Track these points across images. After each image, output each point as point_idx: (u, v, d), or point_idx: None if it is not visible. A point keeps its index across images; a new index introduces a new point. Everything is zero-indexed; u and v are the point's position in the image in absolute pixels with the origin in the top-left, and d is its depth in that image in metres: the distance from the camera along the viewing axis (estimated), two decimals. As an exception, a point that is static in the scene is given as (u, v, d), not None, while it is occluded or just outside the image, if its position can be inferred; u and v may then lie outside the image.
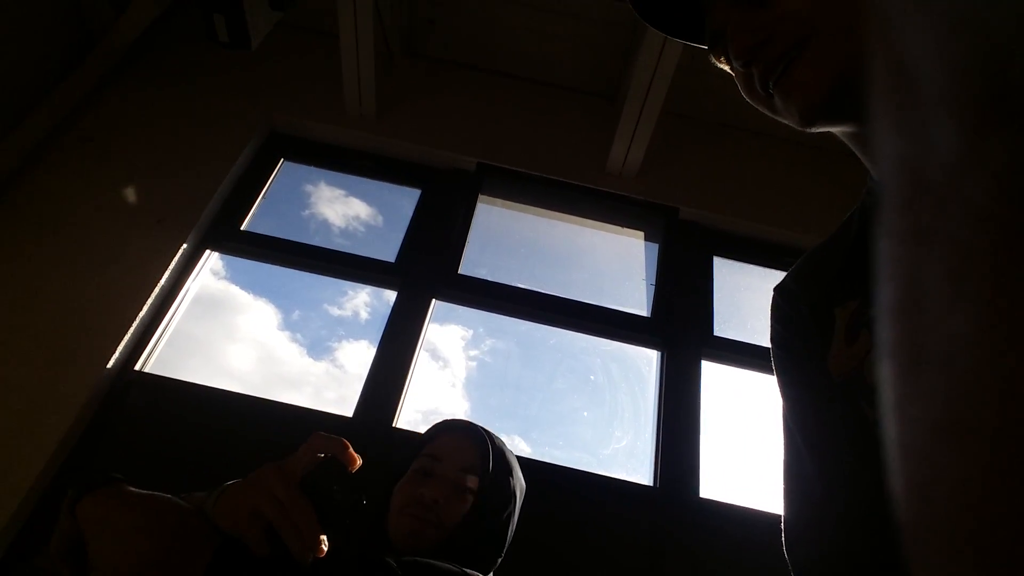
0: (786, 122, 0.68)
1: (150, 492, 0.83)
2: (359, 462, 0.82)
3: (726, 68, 0.74)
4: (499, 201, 2.62)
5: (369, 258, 2.31)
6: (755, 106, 0.72)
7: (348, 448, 0.81)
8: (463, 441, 1.25)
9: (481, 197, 2.57)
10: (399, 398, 1.97)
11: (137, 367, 1.96)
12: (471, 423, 1.33)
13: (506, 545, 1.23)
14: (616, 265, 2.60)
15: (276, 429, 1.86)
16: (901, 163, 0.12)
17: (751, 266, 2.53)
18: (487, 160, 2.57)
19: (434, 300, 2.25)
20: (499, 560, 1.21)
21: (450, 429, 1.29)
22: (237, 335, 2.30)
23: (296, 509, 0.77)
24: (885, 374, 0.12)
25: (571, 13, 2.61)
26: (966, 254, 0.10)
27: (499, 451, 1.27)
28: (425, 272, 2.28)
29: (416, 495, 1.14)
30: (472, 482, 1.19)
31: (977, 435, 0.10)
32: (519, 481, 1.29)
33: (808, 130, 0.66)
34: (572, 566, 1.79)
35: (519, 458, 1.85)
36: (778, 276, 0.82)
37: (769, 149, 2.75)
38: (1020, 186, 0.10)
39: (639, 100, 2.40)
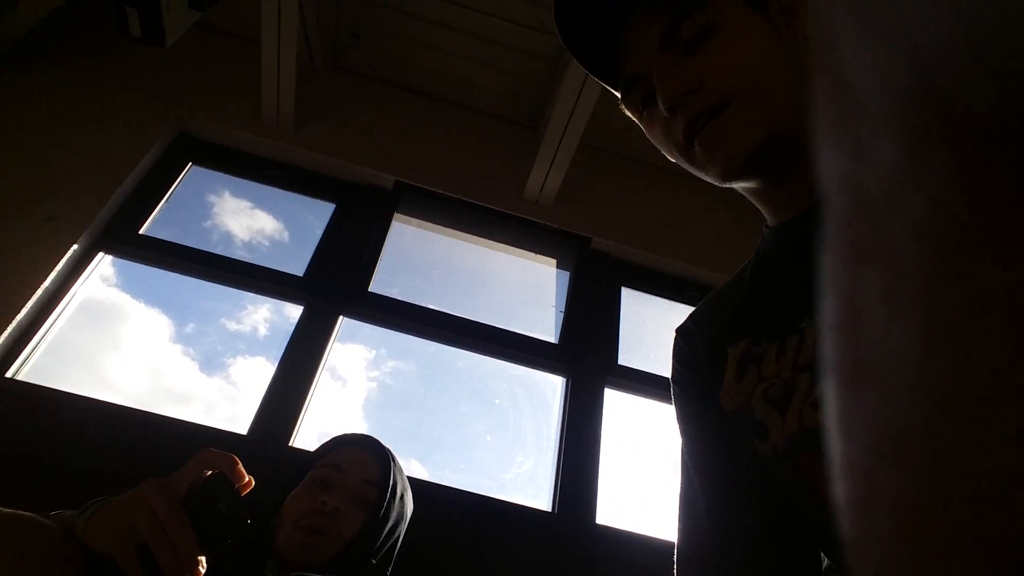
0: (699, 173, 0.70)
1: (10, 511, 0.77)
2: (248, 480, 0.79)
3: (632, 115, 0.75)
4: (415, 220, 2.61)
5: (277, 271, 2.24)
6: (666, 154, 0.74)
7: (237, 464, 0.79)
8: (365, 454, 1.24)
9: (397, 215, 2.55)
10: (298, 416, 1.91)
11: (9, 374, 1.82)
12: (373, 437, 1.31)
13: (391, 567, 1.20)
14: (527, 291, 2.63)
15: (163, 445, 1.76)
16: (841, 181, 0.12)
17: (657, 298, 2.61)
18: (405, 179, 2.56)
19: (342, 317, 2.20)
20: None
21: (352, 442, 1.28)
22: (125, 345, 2.18)
23: (174, 527, 0.74)
24: (828, 390, 0.12)
25: (498, 41, 2.65)
26: (903, 272, 0.11)
27: (399, 469, 1.27)
28: (334, 288, 2.23)
29: (316, 504, 1.12)
30: (372, 495, 1.17)
31: (913, 452, 0.10)
32: (410, 502, 1.29)
33: (724, 184, 0.68)
34: (465, 592, 1.77)
35: (417, 480, 1.82)
36: (681, 309, 0.85)
37: (680, 187, 2.85)
38: (957, 204, 0.10)
39: (559, 130, 2.45)
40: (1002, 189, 0.09)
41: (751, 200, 0.74)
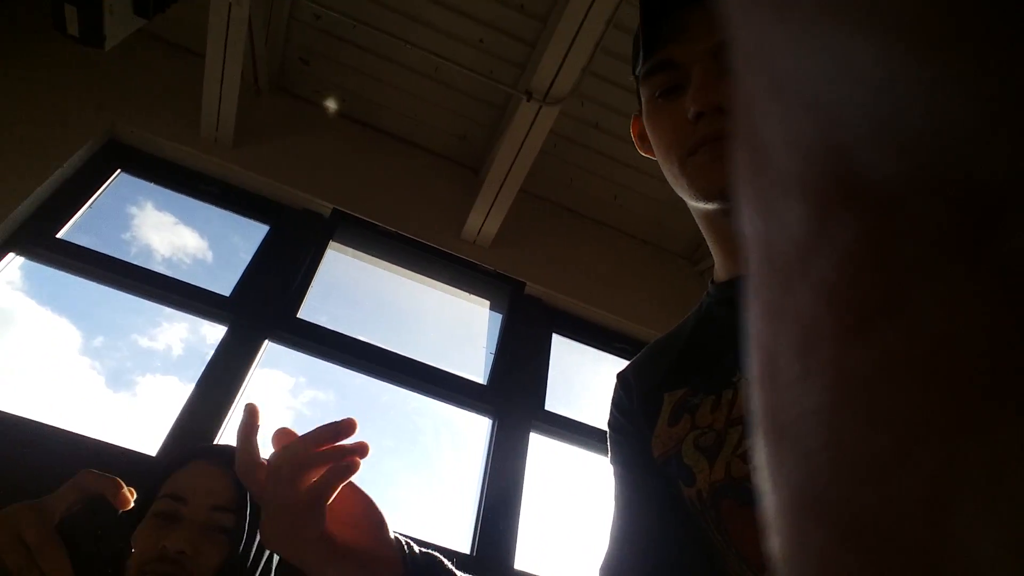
0: (682, 179, 0.69)
1: None
2: (132, 505, 0.72)
3: (643, 93, 0.73)
4: (350, 250, 2.58)
5: (202, 288, 2.15)
6: (654, 145, 0.73)
7: (122, 488, 0.72)
8: (212, 472, 1.05)
9: (332, 244, 2.51)
10: (214, 438, 1.82)
11: None
12: (223, 446, 1.13)
13: None
14: (459, 330, 2.62)
15: (62, 461, 1.63)
16: (754, 241, 0.13)
17: (586, 347, 2.65)
18: (343, 207, 2.53)
19: (267, 341, 2.13)
20: None
21: (195, 456, 1.09)
22: (25, 353, 2.03)
23: (47, 557, 0.66)
24: (756, 444, 0.13)
25: (448, 84, 2.70)
26: (813, 332, 0.11)
27: None
28: (261, 311, 2.16)
29: (157, 548, 0.95)
30: (228, 521, 1.01)
31: (831, 510, 0.10)
32: None
33: (707, 198, 0.67)
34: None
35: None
36: (609, 359, 0.87)
37: (614, 241, 2.94)
38: (862, 269, 0.10)
39: (500, 176, 2.49)
40: (904, 254, 0.10)
41: (707, 236, 0.75)
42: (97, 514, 0.71)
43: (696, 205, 0.71)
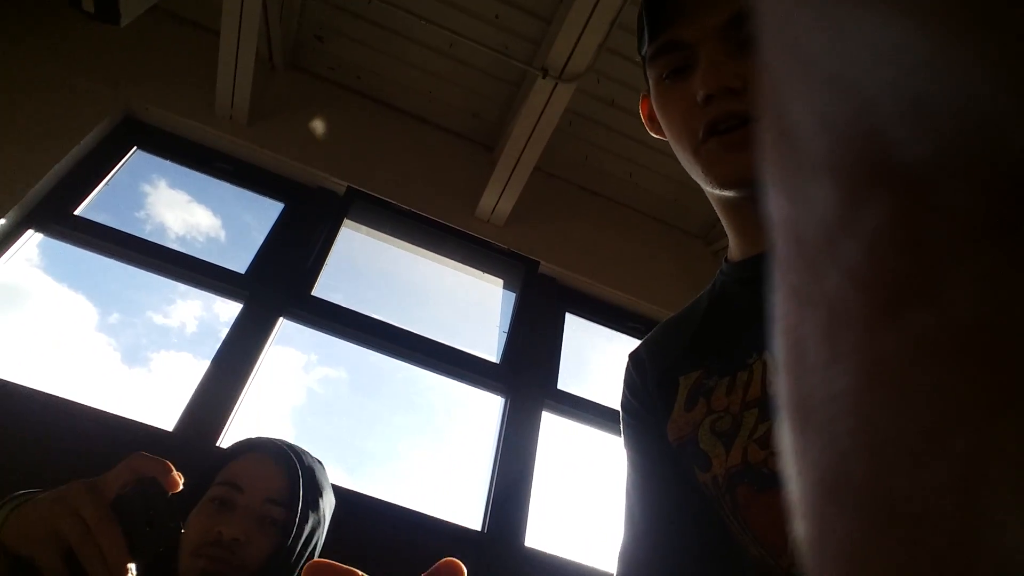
0: (695, 166, 0.68)
1: None
2: (181, 487, 0.74)
3: (650, 75, 0.72)
4: (364, 228, 2.58)
5: (218, 266, 2.17)
6: (665, 128, 0.71)
7: (171, 471, 0.74)
8: (268, 465, 1.09)
9: (346, 222, 2.51)
10: (228, 415, 1.84)
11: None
12: (278, 441, 1.16)
13: None
14: (472, 309, 2.63)
15: (82, 435, 1.67)
16: (782, 225, 0.12)
17: (600, 327, 2.65)
18: (357, 185, 2.53)
19: (282, 318, 2.15)
20: None
21: (253, 448, 1.13)
22: (43, 329, 2.06)
23: (104, 533, 0.69)
24: (782, 429, 0.13)
25: (463, 61, 2.67)
26: (841, 316, 0.11)
27: (310, 473, 1.13)
28: (276, 288, 2.18)
29: (213, 533, 0.99)
30: (279, 514, 1.05)
31: (859, 495, 0.10)
32: (330, 501, 1.17)
33: (722, 188, 0.66)
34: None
35: (344, 490, 1.77)
36: (622, 339, 0.86)
37: (628, 220, 2.92)
38: (892, 250, 0.10)
39: (515, 154, 2.48)
40: (937, 236, 0.09)
41: (722, 218, 0.74)
42: (149, 496, 0.73)
43: (711, 191, 0.70)
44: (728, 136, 0.63)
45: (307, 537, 1.09)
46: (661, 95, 0.71)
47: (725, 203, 0.72)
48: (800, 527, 0.12)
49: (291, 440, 1.19)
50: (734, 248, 0.76)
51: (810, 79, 0.11)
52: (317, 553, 1.12)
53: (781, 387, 0.13)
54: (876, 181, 0.10)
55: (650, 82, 0.73)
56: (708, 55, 0.64)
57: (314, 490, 1.13)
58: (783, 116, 0.12)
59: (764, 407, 0.62)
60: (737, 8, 0.65)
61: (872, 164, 0.10)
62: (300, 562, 1.08)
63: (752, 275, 0.71)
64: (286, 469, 1.09)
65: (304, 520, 1.08)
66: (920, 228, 0.10)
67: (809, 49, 0.11)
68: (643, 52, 0.72)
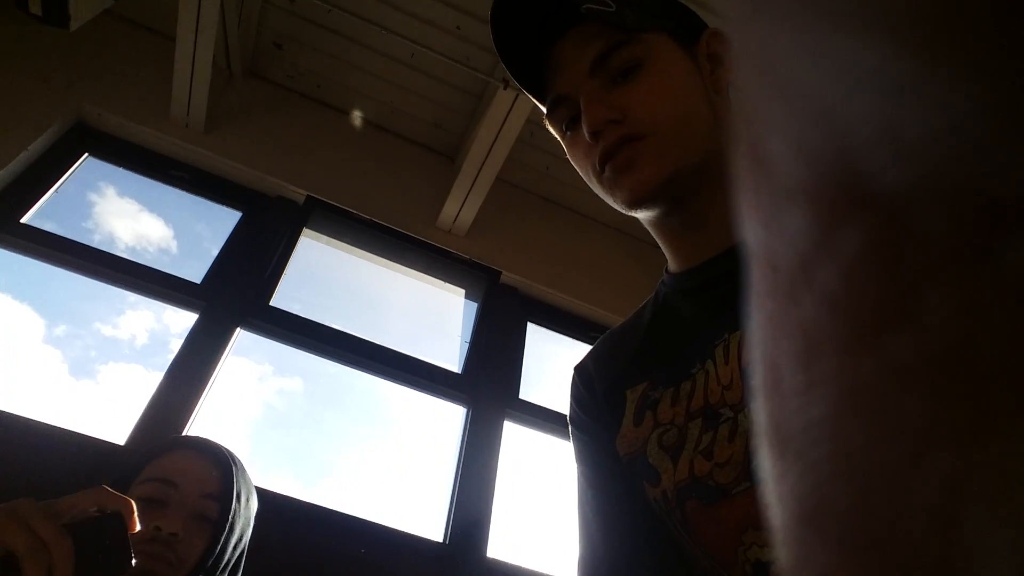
0: (608, 199, 0.72)
1: None
2: (138, 529, 0.75)
3: (555, 132, 0.78)
4: (324, 237, 2.55)
5: (173, 275, 2.12)
6: (582, 175, 0.75)
7: (135, 511, 0.75)
8: (201, 461, 1.08)
9: (306, 231, 2.48)
10: (183, 428, 1.79)
11: None
12: (206, 439, 1.15)
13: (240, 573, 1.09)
14: (433, 319, 2.62)
15: (30, 451, 1.61)
16: (757, 251, 0.12)
17: (561, 336, 2.66)
18: (317, 194, 2.50)
19: (239, 329, 2.11)
20: None
21: (183, 445, 1.11)
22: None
23: (56, 546, 0.69)
24: (761, 454, 0.13)
25: (425, 71, 2.67)
26: (816, 343, 0.11)
27: (242, 472, 1.12)
28: (233, 298, 2.14)
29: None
30: (213, 510, 1.03)
31: (836, 522, 0.10)
32: (255, 503, 1.15)
33: (629, 211, 0.70)
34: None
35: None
36: (584, 348, 0.86)
37: (590, 230, 2.95)
38: (868, 277, 0.10)
39: (477, 164, 2.48)
40: (913, 261, 0.09)
41: (655, 238, 0.77)
42: (107, 527, 0.73)
43: (632, 215, 0.73)
44: (616, 160, 0.67)
45: (239, 537, 1.07)
46: (568, 147, 0.76)
47: (649, 223, 0.75)
48: (780, 556, 0.12)
49: (248, 453, 1.18)
50: (671, 260, 0.77)
51: (784, 104, 0.11)
52: (245, 553, 1.11)
53: (758, 414, 0.13)
54: (852, 207, 0.10)
55: (557, 137, 0.78)
56: (583, 102, 0.69)
57: (246, 487, 1.12)
58: (757, 142, 0.12)
59: (707, 417, 0.63)
60: (600, 46, 0.69)
61: (848, 189, 0.10)
62: (230, 563, 1.06)
63: (692, 286, 0.72)
64: (219, 465, 1.08)
65: (237, 517, 1.06)
66: (897, 253, 0.10)
67: (784, 74, 0.11)
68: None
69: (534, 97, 0.78)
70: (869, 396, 0.10)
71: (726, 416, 0.61)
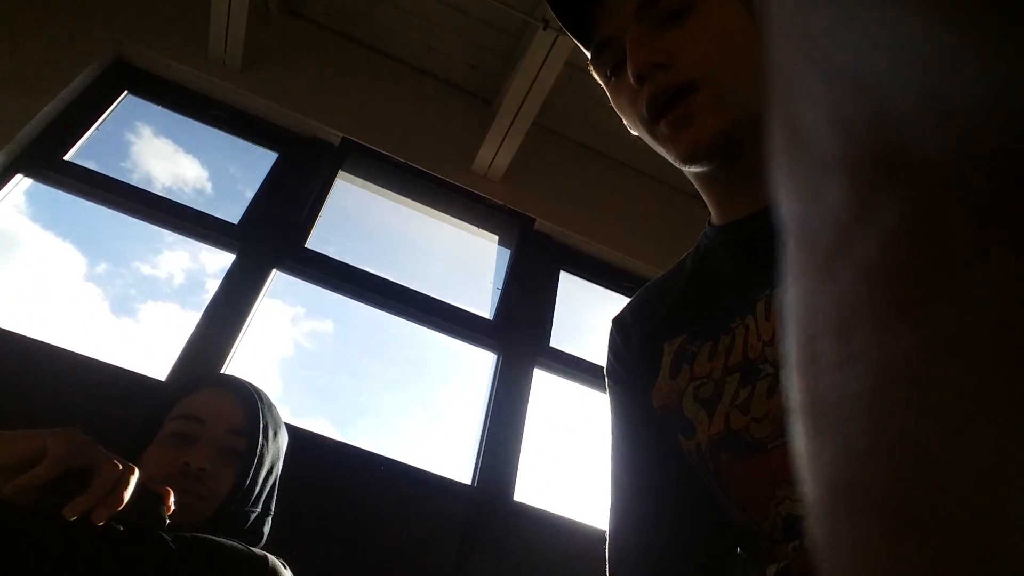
0: (661, 150, 0.70)
1: None
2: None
3: (600, 79, 0.75)
4: (359, 180, 2.55)
5: (211, 215, 2.15)
6: (628, 124, 0.73)
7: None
8: (227, 398, 1.10)
9: (341, 173, 2.48)
10: (221, 367, 1.84)
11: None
12: (232, 376, 1.17)
13: (271, 512, 1.12)
14: (466, 264, 2.62)
15: (74, 383, 1.67)
16: (793, 223, 0.12)
17: (594, 285, 2.65)
18: (353, 136, 2.49)
19: (275, 270, 2.14)
20: (270, 523, 1.11)
21: (210, 383, 1.14)
22: (28, 277, 2.05)
23: (128, 471, 0.80)
24: (794, 429, 0.12)
25: (462, 8, 2.60)
26: (854, 315, 0.11)
27: (268, 407, 1.14)
28: (269, 240, 2.16)
29: (179, 464, 1.00)
30: (241, 445, 1.06)
31: (873, 498, 0.10)
32: (284, 438, 1.18)
33: (685, 166, 0.68)
34: (381, 555, 1.76)
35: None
36: (616, 298, 0.85)
37: (626, 178, 2.89)
38: (909, 247, 0.10)
39: (514, 107, 2.43)
40: (954, 233, 0.09)
41: (699, 190, 0.75)
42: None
43: (680, 167, 0.71)
44: (671, 116, 0.65)
45: (268, 470, 1.10)
46: (612, 94, 0.73)
47: (696, 176, 0.72)
48: (814, 531, 0.12)
49: (282, 393, 1.21)
50: (715, 213, 0.75)
51: (821, 73, 0.11)
52: (276, 487, 1.14)
53: (793, 388, 0.13)
54: (889, 177, 0.10)
55: (603, 86, 0.75)
56: (629, 44, 0.65)
57: (274, 422, 1.14)
58: (794, 114, 0.12)
59: (746, 372, 0.62)
60: None
61: (887, 160, 0.10)
62: (262, 495, 1.09)
63: (734, 238, 0.70)
64: (244, 401, 1.10)
65: (265, 450, 1.09)
66: (938, 224, 0.09)
67: (821, 44, 0.11)
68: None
69: (578, 40, 0.75)
70: (908, 370, 0.10)
71: (766, 372, 0.60)
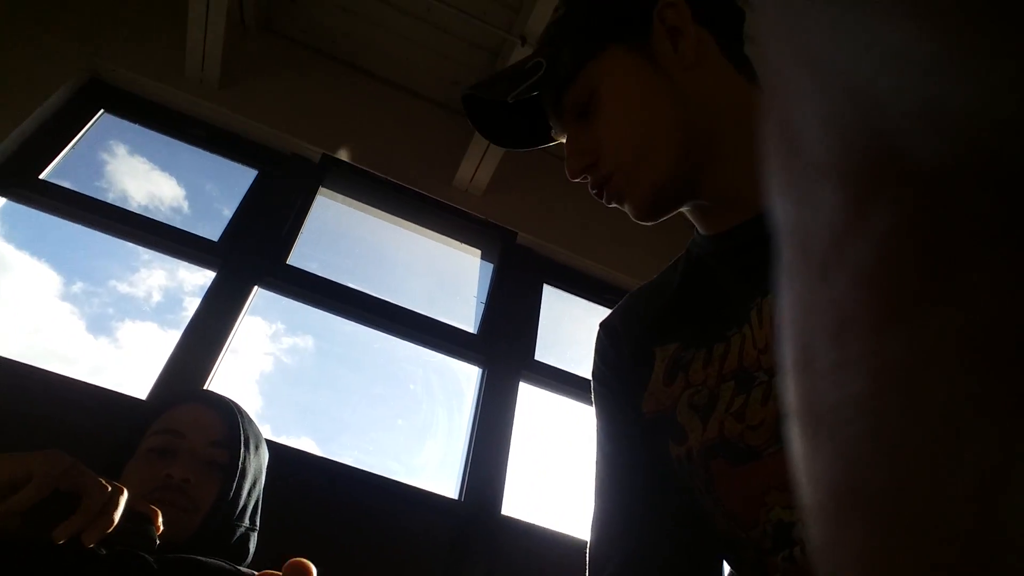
0: None
1: None
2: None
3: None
4: (340, 196, 2.54)
5: (191, 233, 2.12)
6: None
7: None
8: (207, 412, 1.10)
9: (322, 190, 2.47)
10: (203, 383, 1.82)
11: None
12: (211, 391, 1.18)
13: (257, 526, 1.11)
14: (449, 279, 2.61)
15: (54, 404, 1.63)
16: (787, 229, 0.12)
17: (577, 298, 2.65)
18: (333, 153, 2.48)
19: (257, 287, 2.12)
20: (255, 539, 1.10)
21: (188, 399, 1.14)
22: (2, 296, 2.01)
23: (117, 492, 0.79)
24: (791, 433, 0.12)
25: (441, 27, 2.62)
26: (849, 320, 0.11)
27: (248, 421, 1.14)
28: (251, 256, 2.14)
29: (161, 477, 0.99)
30: (223, 457, 1.06)
31: (872, 501, 0.10)
32: (265, 452, 1.17)
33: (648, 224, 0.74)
34: (368, 571, 1.73)
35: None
36: (599, 310, 0.86)
37: (606, 192, 2.91)
38: (904, 252, 0.10)
39: (494, 122, 2.44)
40: (950, 238, 0.09)
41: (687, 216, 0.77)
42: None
43: None
44: (606, 197, 0.73)
45: (251, 483, 1.09)
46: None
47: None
48: (811, 535, 0.12)
49: (263, 410, 1.21)
50: (700, 227, 0.76)
51: (818, 80, 0.11)
52: (260, 504, 1.13)
53: (789, 392, 0.12)
54: (886, 183, 0.10)
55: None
56: (566, 152, 0.74)
57: (254, 436, 1.14)
58: (788, 119, 0.12)
59: (740, 380, 0.63)
60: (551, 98, 0.74)
61: (882, 165, 0.10)
62: (247, 509, 1.08)
63: (725, 248, 0.71)
64: (224, 414, 1.11)
65: (247, 462, 1.08)
66: (931, 230, 0.09)
67: (815, 50, 0.11)
68: None
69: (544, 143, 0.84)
70: (903, 374, 0.10)
71: (760, 379, 0.61)
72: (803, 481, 0.12)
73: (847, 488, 0.11)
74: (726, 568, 0.70)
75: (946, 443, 0.09)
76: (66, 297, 2.03)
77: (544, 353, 2.39)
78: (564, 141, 0.77)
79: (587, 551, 0.74)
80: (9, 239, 2.04)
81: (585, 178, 0.74)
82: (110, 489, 0.78)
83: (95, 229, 2.04)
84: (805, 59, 0.11)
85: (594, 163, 0.71)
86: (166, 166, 2.37)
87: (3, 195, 1.98)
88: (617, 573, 0.70)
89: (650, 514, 0.71)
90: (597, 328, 0.84)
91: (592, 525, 0.74)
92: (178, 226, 2.13)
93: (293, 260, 2.23)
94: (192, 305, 1.98)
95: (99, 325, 2.03)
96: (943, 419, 0.09)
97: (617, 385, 0.77)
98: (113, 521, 0.77)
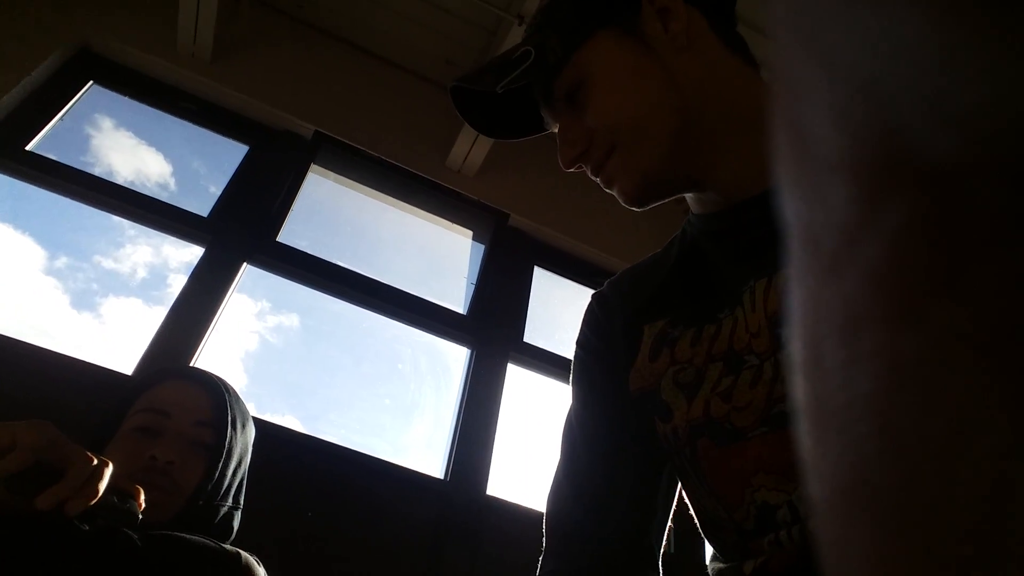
0: None
1: None
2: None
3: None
4: (332, 174, 2.53)
5: (181, 208, 2.11)
6: None
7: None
8: (193, 390, 1.07)
9: (313, 167, 2.46)
10: (190, 360, 1.82)
11: None
12: (197, 368, 1.15)
13: (240, 505, 1.10)
14: (440, 259, 2.61)
15: (38, 378, 1.63)
16: (798, 226, 0.12)
17: (568, 281, 2.65)
18: (325, 130, 2.47)
19: (246, 264, 2.11)
20: (239, 517, 1.09)
21: (174, 376, 1.11)
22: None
23: (102, 464, 0.79)
24: (800, 430, 0.13)
25: (436, 4, 2.59)
26: (860, 317, 0.11)
27: (235, 399, 1.12)
28: (240, 233, 2.13)
29: (145, 458, 0.97)
30: (209, 437, 1.03)
31: (882, 498, 0.10)
32: (251, 430, 1.15)
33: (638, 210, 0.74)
34: (353, 549, 1.75)
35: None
36: (590, 294, 0.85)
37: (600, 175, 2.90)
38: (916, 249, 0.10)
39: (488, 102, 2.42)
40: (961, 234, 0.09)
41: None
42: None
43: None
44: (601, 179, 0.73)
45: (237, 462, 1.08)
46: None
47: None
48: (819, 532, 0.12)
49: (248, 387, 1.19)
50: (693, 207, 0.77)
51: (828, 76, 0.11)
52: (244, 481, 1.12)
53: (798, 389, 0.13)
54: (896, 180, 0.10)
55: None
56: (558, 141, 0.74)
57: (241, 415, 1.12)
58: (798, 115, 0.12)
59: (730, 361, 0.63)
60: (542, 86, 0.74)
61: (892, 162, 0.10)
62: (231, 488, 1.07)
63: (720, 229, 0.71)
64: (211, 393, 1.08)
65: (234, 443, 1.07)
66: (944, 225, 0.09)
67: (826, 46, 0.11)
68: None
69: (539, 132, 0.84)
70: (914, 371, 0.10)
71: (751, 363, 0.61)
72: (811, 478, 0.12)
73: (856, 485, 0.11)
74: (709, 550, 0.71)
75: (956, 442, 0.09)
76: (50, 271, 2.02)
77: (534, 335, 2.39)
78: (556, 131, 0.76)
79: (547, 508, 0.75)
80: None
81: (579, 167, 0.73)
82: (95, 461, 0.78)
83: (84, 203, 2.03)
84: (815, 55, 0.11)
85: (587, 150, 0.71)
86: (153, 141, 2.34)
87: (-10, 166, 1.96)
88: (571, 533, 0.71)
89: (614, 482, 0.72)
90: (591, 299, 0.85)
91: (554, 486, 0.76)
92: (167, 201, 2.11)
93: (283, 238, 2.22)
94: (177, 282, 1.98)
95: (83, 300, 2.02)
96: (952, 416, 0.09)
97: (603, 353, 0.78)
98: (98, 492, 0.77)
